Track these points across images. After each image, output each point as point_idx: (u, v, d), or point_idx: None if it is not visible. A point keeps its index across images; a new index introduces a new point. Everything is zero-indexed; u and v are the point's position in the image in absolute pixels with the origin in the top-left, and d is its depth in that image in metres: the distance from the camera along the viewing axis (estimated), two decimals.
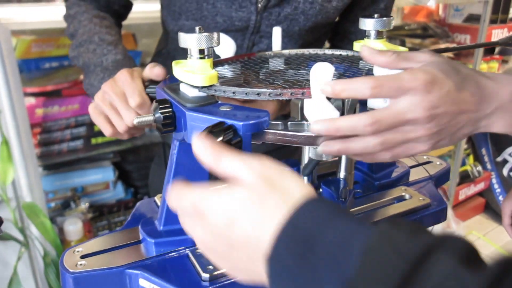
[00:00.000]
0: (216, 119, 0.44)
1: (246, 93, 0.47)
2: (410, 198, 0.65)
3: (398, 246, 0.26)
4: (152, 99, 0.61)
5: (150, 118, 0.51)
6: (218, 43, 0.51)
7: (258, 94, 0.47)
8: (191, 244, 0.55)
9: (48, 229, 1.07)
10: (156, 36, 1.05)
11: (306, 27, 0.82)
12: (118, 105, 0.61)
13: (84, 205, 1.43)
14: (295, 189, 0.33)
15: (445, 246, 0.26)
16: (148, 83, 0.62)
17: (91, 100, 1.29)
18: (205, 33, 0.49)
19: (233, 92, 0.48)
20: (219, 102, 0.49)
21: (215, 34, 0.50)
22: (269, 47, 0.87)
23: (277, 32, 0.70)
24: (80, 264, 0.52)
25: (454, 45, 2.25)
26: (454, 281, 0.24)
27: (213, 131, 0.41)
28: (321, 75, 0.43)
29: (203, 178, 0.50)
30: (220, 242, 0.34)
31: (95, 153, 1.39)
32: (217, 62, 0.64)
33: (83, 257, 0.54)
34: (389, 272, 0.25)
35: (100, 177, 1.42)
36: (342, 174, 0.60)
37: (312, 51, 0.70)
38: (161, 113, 0.50)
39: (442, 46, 2.24)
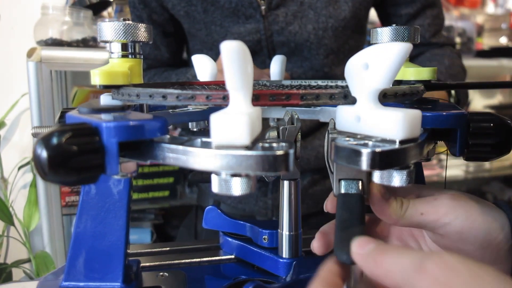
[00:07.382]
0: (81, 119, 0.30)
1: (150, 95, 0.33)
2: None
3: None
4: None
5: None
6: (149, 39, 0.39)
7: (163, 96, 0.32)
8: None
9: None
10: None
11: (320, 25, 0.74)
12: None
13: None
14: None
15: None
16: None
17: None
18: (127, 22, 0.37)
19: (137, 95, 0.34)
20: (129, 111, 0.36)
21: (143, 25, 0.38)
22: (293, 71, 0.76)
23: (277, 61, 0.56)
24: None
25: None
26: None
27: (57, 130, 0.28)
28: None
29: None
30: None
31: (135, 208, 1.32)
32: (190, 84, 0.52)
33: None
34: None
35: (136, 238, 1.32)
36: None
37: (321, 82, 0.54)
38: None
39: None
